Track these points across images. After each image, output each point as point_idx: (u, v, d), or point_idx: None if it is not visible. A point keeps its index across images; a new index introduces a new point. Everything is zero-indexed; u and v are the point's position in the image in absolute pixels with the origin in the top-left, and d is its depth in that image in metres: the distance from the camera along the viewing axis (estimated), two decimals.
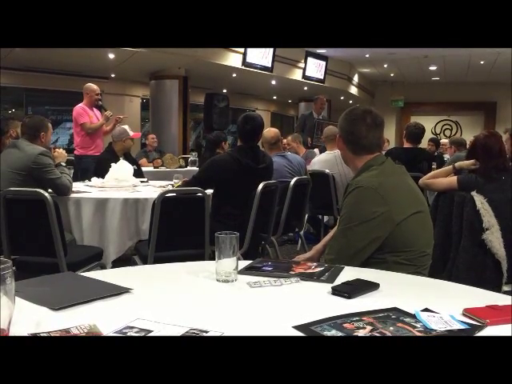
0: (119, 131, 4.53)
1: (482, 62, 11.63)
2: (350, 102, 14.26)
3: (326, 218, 5.08)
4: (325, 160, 4.85)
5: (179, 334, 0.98)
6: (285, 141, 6.08)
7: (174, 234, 2.69)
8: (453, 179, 2.76)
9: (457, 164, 2.83)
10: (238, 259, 1.40)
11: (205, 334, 0.98)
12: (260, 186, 2.99)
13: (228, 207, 3.07)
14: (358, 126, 1.80)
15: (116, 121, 5.34)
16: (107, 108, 5.51)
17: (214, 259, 1.38)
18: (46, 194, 2.51)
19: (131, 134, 4.53)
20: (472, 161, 2.76)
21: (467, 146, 5.66)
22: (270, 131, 4.48)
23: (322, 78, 11.76)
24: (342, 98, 13.87)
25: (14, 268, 0.91)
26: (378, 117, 1.83)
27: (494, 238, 2.49)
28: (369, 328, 1.03)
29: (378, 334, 1.00)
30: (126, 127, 4.58)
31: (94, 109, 5.47)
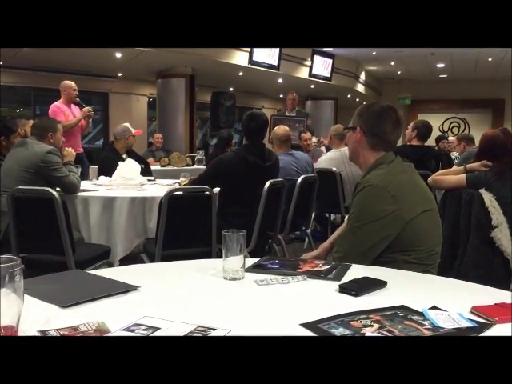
0: (122, 129, 4.50)
1: (489, 59, 11.55)
2: (357, 100, 14.21)
3: (332, 216, 5.07)
4: (331, 158, 4.85)
5: (187, 332, 0.98)
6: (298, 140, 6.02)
7: (181, 233, 2.69)
8: (461, 177, 2.75)
9: (468, 166, 2.81)
10: (245, 257, 1.40)
11: (212, 332, 0.98)
12: (267, 184, 2.99)
13: (235, 205, 3.08)
14: (386, 121, 1.78)
15: (89, 116, 5.30)
16: (116, 106, 5.50)
17: (221, 257, 1.38)
18: (54, 193, 2.52)
19: (133, 131, 4.54)
20: (483, 161, 2.74)
21: (475, 142, 5.63)
22: (281, 128, 4.48)
23: (328, 75, 11.72)
24: (348, 96, 13.82)
25: (22, 266, 0.92)
26: (401, 116, 1.83)
27: (502, 235, 2.47)
28: (376, 326, 1.02)
29: (385, 332, 0.99)
30: (127, 125, 4.57)
31: (73, 106, 5.35)
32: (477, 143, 5.49)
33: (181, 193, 2.80)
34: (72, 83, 5.38)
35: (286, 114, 7.26)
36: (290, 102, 7.23)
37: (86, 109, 5.26)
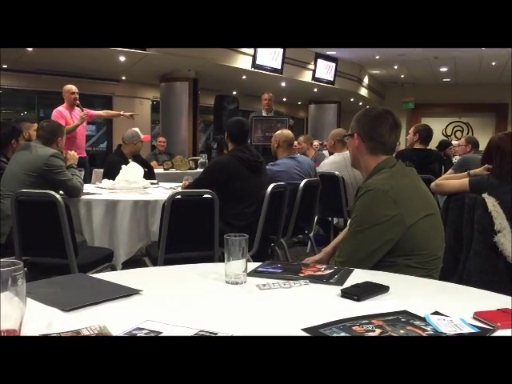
0: (131, 134, 4.55)
1: (493, 63, 11.56)
2: (360, 103, 14.22)
3: (335, 220, 5.07)
4: (333, 162, 4.85)
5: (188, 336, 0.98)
6: (295, 143, 6.06)
7: (184, 236, 2.69)
8: (464, 181, 2.74)
9: (472, 172, 2.80)
10: (248, 261, 1.40)
11: (214, 336, 0.98)
12: (269, 188, 3.00)
13: (237, 206, 3.08)
14: (382, 124, 1.78)
15: (124, 115, 5.64)
16: (118, 108, 5.61)
17: (224, 261, 1.38)
18: (58, 196, 2.53)
19: (142, 136, 4.59)
20: (486, 166, 2.73)
21: (479, 148, 5.62)
22: (286, 132, 4.50)
23: (331, 79, 11.75)
24: (351, 99, 13.84)
25: (25, 269, 0.92)
26: (397, 119, 1.83)
27: (505, 240, 2.46)
28: (378, 331, 1.02)
29: None
30: (137, 130, 4.61)
31: (77, 109, 5.35)
32: (481, 147, 5.49)
33: (183, 196, 2.81)
34: (70, 87, 5.35)
35: (264, 114, 6.71)
36: (267, 102, 6.67)
37: (83, 114, 5.27)
